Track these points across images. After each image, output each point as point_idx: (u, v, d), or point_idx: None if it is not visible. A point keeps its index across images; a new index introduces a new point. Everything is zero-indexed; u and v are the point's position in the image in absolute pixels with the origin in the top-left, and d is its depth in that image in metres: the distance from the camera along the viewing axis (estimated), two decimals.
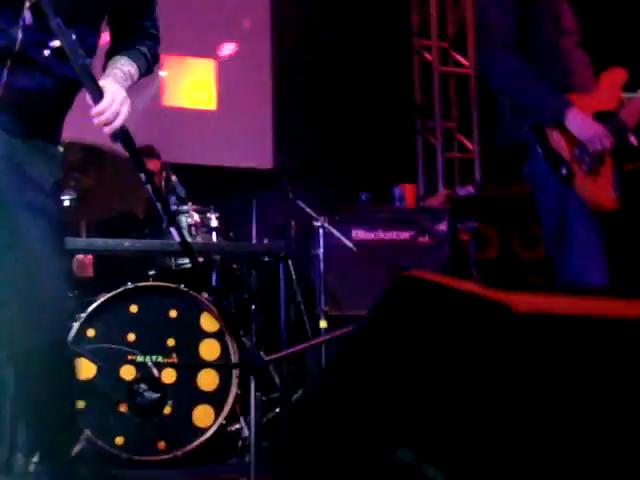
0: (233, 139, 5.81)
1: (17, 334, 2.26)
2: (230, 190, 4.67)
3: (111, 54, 2.47)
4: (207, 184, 4.87)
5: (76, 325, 3.32)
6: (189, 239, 3.74)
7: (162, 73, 5.95)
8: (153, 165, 4.55)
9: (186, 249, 2.41)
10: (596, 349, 1.18)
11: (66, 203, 3.56)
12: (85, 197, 3.65)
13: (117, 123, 2.21)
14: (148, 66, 2.54)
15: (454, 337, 1.20)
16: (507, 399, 1.11)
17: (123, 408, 3.33)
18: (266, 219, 4.50)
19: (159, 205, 2.33)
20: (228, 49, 6.19)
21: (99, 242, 3.61)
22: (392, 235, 4.68)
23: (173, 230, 2.32)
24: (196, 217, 3.81)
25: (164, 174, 4.23)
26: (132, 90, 2.37)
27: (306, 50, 5.98)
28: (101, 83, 2.25)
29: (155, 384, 3.35)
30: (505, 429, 1.12)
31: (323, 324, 4.11)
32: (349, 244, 4.14)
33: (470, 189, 5.43)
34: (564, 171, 2.85)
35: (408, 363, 1.21)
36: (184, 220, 3.82)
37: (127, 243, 3.49)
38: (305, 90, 5.96)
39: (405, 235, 4.66)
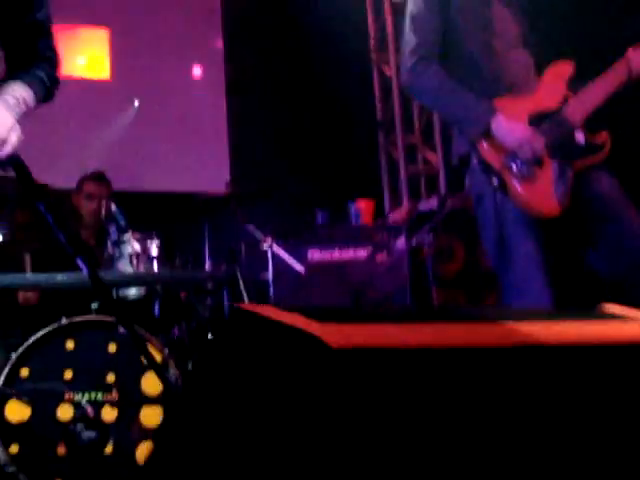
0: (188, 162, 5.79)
1: None
2: (180, 216, 4.60)
3: (5, 79, 2.40)
4: (155, 211, 4.81)
5: (7, 366, 3.22)
6: (130, 269, 3.69)
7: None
8: (103, 191, 4.47)
9: (95, 283, 2.34)
10: (411, 380, 1.15)
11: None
12: (23, 230, 3.62)
13: (3, 152, 2.19)
14: (46, 90, 2.48)
15: (275, 370, 1.19)
16: (323, 431, 1.08)
17: (61, 450, 3.22)
18: (220, 244, 4.40)
19: (62, 236, 2.29)
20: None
21: (26, 277, 3.57)
22: (349, 254, 4.61)
23: (80, 262, 2.25)
24: (137, 246, 3.71)
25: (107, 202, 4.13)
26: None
27: (263, 67, 5.98)
28: None
29: (95, 423, 3.26)
30: (318, 461, 1.07)
31: None
32: (297, 267, 4.05)
33: (433, 203, 5.34)
34: (495, 181, 2.75)
35: (235, 393, 1.23)
36: (125, 251, 3.73)
37: (59, 277, 3.43)
38: (263, 108, 5.93)
39: (362, 253, 4.59)
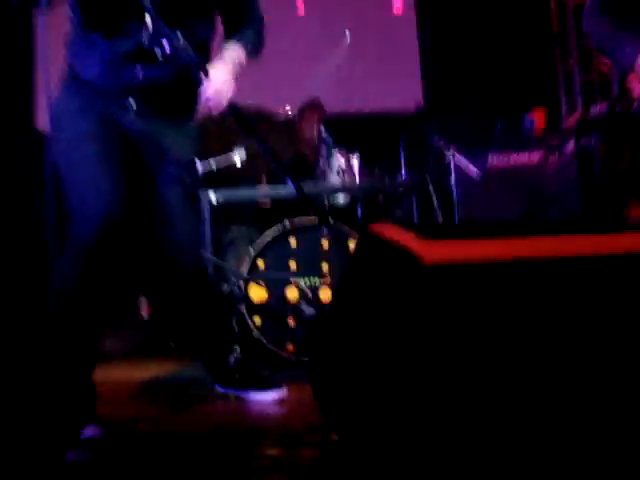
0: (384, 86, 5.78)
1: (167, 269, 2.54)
2: (380, 132, 4.69)
3: (226, 38, 2.58)
4: (358, 130, 4.89)
5: (249, 259, 3.47)
6: (338, 181, 3.87)
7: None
8: (318, 114, 4.65)
9: (300, 195, 2.55)
10: (505, 293, 1.14)
11: (238, 161, 3.80)
12: (255, 153, 3.83)
13: (220, 102, 2.35)
14: (254, 48, 2.59)
15: (380, 285, 1.21)
16: (416, 346, 1.07)
17: (290, 322, 3.46)
18: (413, 155, 4.48)
19: (270, 158, 2.49)
20: None
21: (256, 191, 3.84)
22: (524, 158, 4.54)
23: (284, 182, 2.45)
24: (342, 161, 3.84)
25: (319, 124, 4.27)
26: None
27: None
28: (211, 66, 2.36)
29: (315, 302, 3.45)
30: (411, 380, 1.08)
31: None
32: (473, 172, 4.08)
33: (603, 107, 5.09)
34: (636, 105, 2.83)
35: (356, 305, 1.27)
36: (334, 165, 3.86)
37: (283, 190, 3.66)
38: (447, 28, 5.82)
39: (535, 157, 4.51)
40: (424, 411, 1.11)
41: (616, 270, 1.27)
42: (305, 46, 5.94)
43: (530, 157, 4.54)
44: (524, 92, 5.47)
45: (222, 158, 3.75)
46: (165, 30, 2.20)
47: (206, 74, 2.30)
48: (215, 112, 2.36)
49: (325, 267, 3.52)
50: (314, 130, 4.22)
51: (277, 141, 4.03)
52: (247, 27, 2.58)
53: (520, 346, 1.10)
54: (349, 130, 4.41)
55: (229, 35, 2.59)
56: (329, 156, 3.88)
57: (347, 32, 5.96)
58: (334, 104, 4.86)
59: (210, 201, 3.61)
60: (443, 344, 1.08)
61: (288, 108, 4.54)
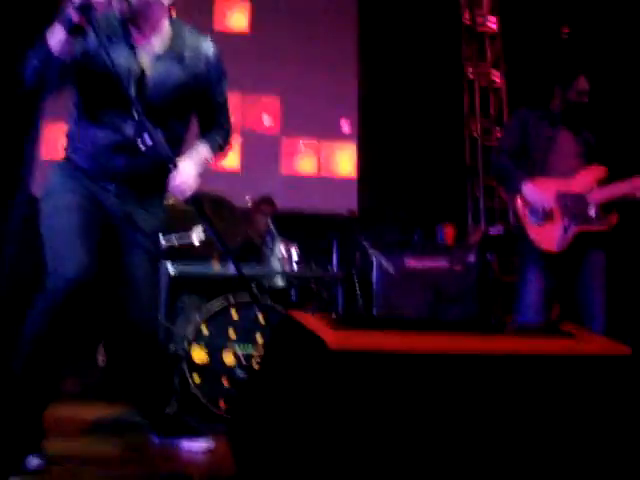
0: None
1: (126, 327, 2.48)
2: (316, 230, 4.71)
3: (199, 135, 2.60)
4: (298, 226, 4.91)
5: (195, 325, 3.37)
6: (278, 267, 3.85)
7: None
8: (269, 209, 4.66)
9: (240, 276, 2.54)
10: (397, 381, 1.11)
11: (196, 242, 3.75)
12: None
13: (186, 191, 2.34)
14: (219, 147, 2.61)
15: (293, 362, 1.19)
16: (314, 416, 1.04)
17: (225, 383, 3.36)
18: (342, 252, 4.48)
19: (219, 243, 2.50)
20: None
21: (208, 268, 3.77)
22: (434, 263, 4.61)
23: (230, 262, 2.44)
24: (283, 251, 3.83)
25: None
26: None
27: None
28: (181, 160, 2.37)
29: (247, 368, 3.36)
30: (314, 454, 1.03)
31: None
32: (390, 269, 4.13)
33: (500, 229, 5.25)
34: (515, 224, 3.10)
35: (272, 377, 1.24)
36: (276, 253, 3.84)
37: (231, 269, 3.61)
38: (382, 153, 5.96)
39: (444, 263, 4.59)
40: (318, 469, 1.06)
41: (496, 368, 1.27)
42: (267, 152, 6.03)
43: (439, 262, 4.58)
44: (439, 209, 5.62)
45: (182, 235, 3.71)
46: (148, 126, 2.19)
47: (176, 166, 2.31)
48: (180, 198, 2.36)
49: (259, 338, 3.44)
50: (264, 222, 4.22)
51: (232, 226, 4.01)
52: (217, 130, 2.60)
53: (399, 428, 1.06)
54: (293, 225, 4.42)
55: (202, 133, 2.61)
56: (273, 245, 3.88)
57: (301, 143, 6.10)
58: (283, 202, 4.89)
59: (168, 272, 3.54)
60: (336, 416, 1.04)
61: (247, 198, 4.58)
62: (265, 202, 4.69)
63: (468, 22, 6.79)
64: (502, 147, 3.32)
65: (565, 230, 2.95)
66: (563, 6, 6.06)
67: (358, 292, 4.08)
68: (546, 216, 2.99)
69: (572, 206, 3.01)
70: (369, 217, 4.74)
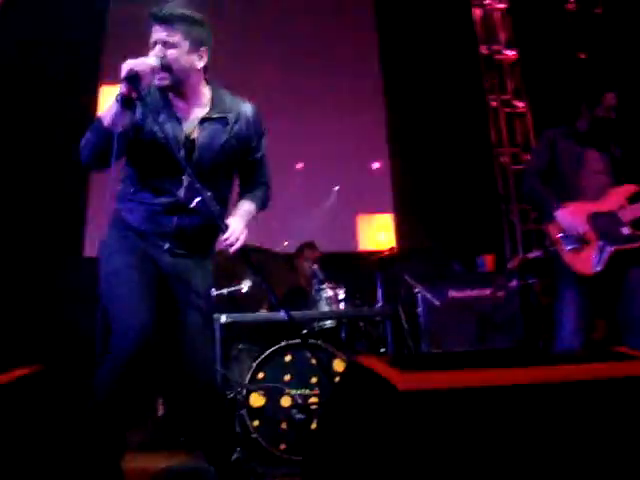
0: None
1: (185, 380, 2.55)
2: (360, 269, 4.79)
3: (240, 197, 2.69)
4: (344, 266, 5.01)
5: (250, 371, 3.48)
6: (327, 309, 3.93)
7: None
8: (313, 254, 4.76)
9: (291, 321, 2.66)
10: (474, 417, 1.14)
11: (244, 290, 3.87)
12: (260, 284, 3.89)
13: (237, 246, 2.41)
14: (262, 204, 2.71)
15: (362, 405, 1.23)
16: (389, 456, 1.07)
17: (284, 426, 3.43)
18: (387, 288, 4.54)
19: (268, 290, 2.60)
20: None
21: (259, 315, 3.88)
22: (476, 292, 4.64)
23: (282, 310, 2.54)
24: (330, 292, 3.94)
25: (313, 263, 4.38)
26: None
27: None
28: (228, 220, 2.47)
29: (304, 409, 3.43)
30: None
31: None
32: (435, 302, 4.17)
33: (539, 252, 5.25)
34: (550, 249, 3.01)
35: (342, 420, 1.29)
36: (323, 295, 3.96)
37: (280, 315, 3.68)
38: (416, 188, 6.04)
39: (486, 292, 4.62)
40: None
41: (555, 396, 1.28)
42: (303, 199, 6.14)
43: (481, 292, 4.61)
44: (477, 239, 5.64)
45: (233, 288, 3.83)
46: (198, 189, 2.30)
47: (225, 224, 2.40)
48: (232, 253, 2.42)
49: (314, 380, 3.52)
50: (309, 267, 4.32)
51: (279, 275, 4.12)
52: (257, 188, 2.70)
53: (471, 462, 1.11)
54: (337, 267, 4.50)
55: (243, 193, 2.70)
56: (320, 288, 3.97)
57: (336, 188, 6.20)
58: (326, 245, 4.99)
59: (220, 321, 3.64)
60: (413, 455, 1.09)
61: (286, 244, 4.66)
62: (308, 247, 4.79)
63: (486, 52, 6.91)
64: (531, 170, 3.33)
65: (600, 252, 2.95)
66: (577, 30, 6.16)
67: (405, 327, 4.12)
68: (580, 241, 2.99)
69: (605, 226, 3.01)
70: (409, 252, 4.80)
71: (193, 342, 2.50)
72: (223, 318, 3.66)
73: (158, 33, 2.33)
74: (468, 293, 4.62)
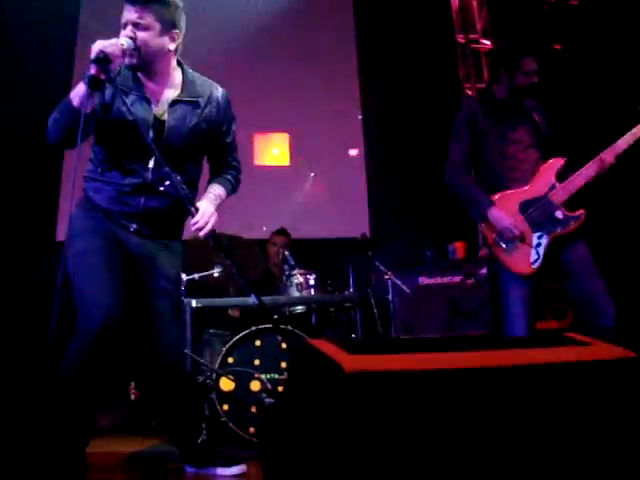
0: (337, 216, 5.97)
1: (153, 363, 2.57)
2: (332, 255, 4.81)
3: (210, 181, 2.68)
4: (315, 252, 5.02)
5: (220, 356, 3.49)
6: (297, 294, 3.95)
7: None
8: (283, 240, 4.78)
9: (261, 306, 2.64)
10: (421, 400, 1.14)
11: (216, 274, 3.87)
12: (230, 270, 3.91)
13: (206, 230, 2.40)
14: (233, 188, 2.71)
15: (313, 387, 1.24)
16: (336, 437, 1.07)
17: (253, 409, 3.44)
18: (358, 275, 4.57)
19: (240, 276, 2.56)
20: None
21: (228, 300, 3.88)
22: (447, 279, 4.69)
23: (252, 295, 2.53)
24: (301, 278, 3.95)
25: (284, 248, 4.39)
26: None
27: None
28: (198, 203, 2.46)
29: (273, 393, 3.44)
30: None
31: None
32: (406, 289, 4.20)
33: None
34: (486, 250, 2.92)
35: (295, 402, 1.31)
36: (294, 281, 3.97)
37: (250, 300, 3.69)
38: (391, 175, 6.06)
39: (456, 279, 4.67)
40: None
41: (506, 380, 1.31)
42: (276, 183, 6.15)
43: (452, 278, 4.64)
44: (449, 227, 5.66)
45: (204, 273, 3.83)
46: (166, 172, 2.29)
47: (195, 207, 2.40)
48: (202, 236, 2.42)
49: (283, 364, 3.53)
50: (280, 253, 4.33)
51: (249, 260, 4.12)
52: (227, 172, 2.70)
53: (417, 446, 1.13)
54: (308, 253, 4.52)
55: (213, 177, 2.70)
56: (291, 274, 3.98)
57: (311, 175, 6.21)
58: (297, 231, 5.00)
59: (191, 306, 3.64)
60: (361, 438, 1.11)
61: (265, 229, 4.67)
62: (279, 234, 4.81)
63: (462, 41, 6.93)
64: (454, 159, 3.06)
65: (537, 247, 2.85)
66: (553, 21, 6.19)
67: (376, 313, 4.16)
68: (516, 239, 2.87)
69: (538, 215, 2.89)
70: (381, 239, 4.83)
71: (162, 325, 2.51)
72: (194, 303, 3.65)
73: (130, 14, 2.30)
74: (439, 280, 4.68)
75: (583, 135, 3.65)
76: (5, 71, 5.46)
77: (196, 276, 3.81)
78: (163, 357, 2.55)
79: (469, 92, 6.68)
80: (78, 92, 2.23)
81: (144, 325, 2.53)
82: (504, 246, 2.91)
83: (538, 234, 2.88)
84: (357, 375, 1.14)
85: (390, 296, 4.34)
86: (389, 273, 4.30)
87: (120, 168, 2.42)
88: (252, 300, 3.66)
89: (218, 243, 2.47)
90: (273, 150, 6.31)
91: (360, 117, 6.43)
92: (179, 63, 2.52)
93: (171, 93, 2.46)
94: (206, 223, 2.39)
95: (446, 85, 6.51)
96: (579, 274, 2.84)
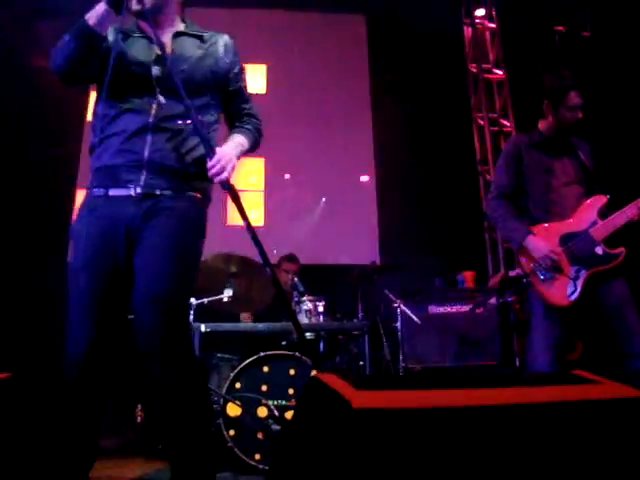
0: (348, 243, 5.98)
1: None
2: (341, 282, 4.83)
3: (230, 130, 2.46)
4: (323, 278, 5.04)
5: (228, 381, 3.50)
6: (306, 321, 3.96)
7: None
8: (293, 267, 4.80)
9: (297, 328, 2.42)
10: (428, 438, 1.13)
11: (225, 299, 3.88)
12: (242, 294, 3.94)
13: (223, 175, 2.13)
14: (255, 139, 2.45)
15: (321, 421, 1.23)
16: (342, 472, 1.07)
17: (259, 435, 3.43)
18: (367, 302, 4.58)
19: (259, 252, 2.19)
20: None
21: (237, 325, 3.89)
22: (457, 308, 4.68)
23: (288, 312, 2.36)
24: (310, 305, 3.98)
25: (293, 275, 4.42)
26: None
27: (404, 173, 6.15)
28: (216, 149, 2.18)
29: (280, 420, 3.42)
30: None
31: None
32: (415, 318, 4.21)
33: (519, 271, 5.30)
34: (524, 280, 2.91)
35: (303, 434, 1.31)
36: (303, 307, 3.99)
37: (260, 326, 3.75)
38: (401, 204, 6.10)
39: (465, 308, 4.66)
40: None
41: (510, 418, 1.30)
42: (289, 208, 6.18)
43: (461, 307, 4.65)
44: (459, 256, 5.69)
45: (213, 297, 3.85)
46: (187, 103, 2.10)
47: (213, 151, 2.15)
48: (216, 180, 2.14)
49: (291, 391, 3.53)
50: (289, 279, 4.36)
51: (262, 284, 4.13)
52: (246, 121, 2.47)
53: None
54: (318, 278, 4.53)
55: (232, 128, 2.46)
56: (300, 301, 4.00)
57: (323, 199, 6.25)
58: (307, 257, 5.03)
59: (200, 331, 3.67)
60: (364, 472, 1.13)
61: (275, 252, 4.69)
62: (288, 260, 4.83)
63: (475, 71, 7.01)
64: (497, 190, 3.09)
65: (575, 278, 2.84)
66: (565, 52, 6.25)
67: (384, 341, 4.16)
68: (554, 269, 2.86)
69: (578, 249, 2.89)
70: (390, 267, 4.85)
71: (145, 272, 2.09)
72: (202, 327, 3.69)
73: None
74: (448, 309, 4.66)
75: (628, 174, 3.66)
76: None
77: (205, 300, 3.83)
78: (138, 320, 2.05)
79: (480, 122, 6.75)
80: (95, 12, 2.12)
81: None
82: (542, 276, 2.89)
83: (576, 268, 2.88)
84: (364, 411, 1.14)
85: (399, 324, 4.35)
86: (398, 301, 4.32)
87: (125, 112, 2.20)
88: (262, 326, 3.79)
89: (233, 194, 2.14)
90: (285, 175, 6.36)
91: (372, 144, 6.48)
92: (183, 19, 2.41)
93: (175, 29, 2.36)
94: (222, 168, 2.13)
95: (458, 114, 6.58)
96: (616, 312, 2.81)
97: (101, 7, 2.14)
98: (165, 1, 2.31)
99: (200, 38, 2.37)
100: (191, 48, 2.33)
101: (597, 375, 1.72)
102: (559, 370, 2.76)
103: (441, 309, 4.66)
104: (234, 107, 2.45)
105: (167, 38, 2.32)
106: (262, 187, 6.28)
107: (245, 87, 2.47)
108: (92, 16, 2.14)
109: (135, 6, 2.17)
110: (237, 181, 2.26)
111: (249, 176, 6.18)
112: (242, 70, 2.46)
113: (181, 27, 2.38)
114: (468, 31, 7.21)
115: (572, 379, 1.67)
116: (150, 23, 2.21)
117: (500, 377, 1.89)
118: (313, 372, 3.58)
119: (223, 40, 2.42)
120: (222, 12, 6.40)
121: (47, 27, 5.44)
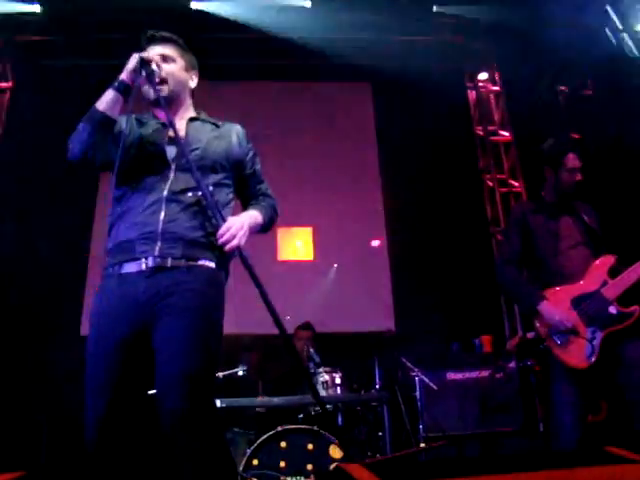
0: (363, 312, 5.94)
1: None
2: (357, 351, 4.75)
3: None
4: (339, 348, 4.98)
5: (245, 457, 3.44)
6: (323, 393, 3.90)
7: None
8: (307, 335, 4.74)
9: (317, 400, 2.41)
10: None
11: (240, 373, 3.85)
12: (256, 367, 3.91)
13: (234, 243, 2.12)
14: (269, 216, 2.44)
15: None
16: None
17: None
18: (384, 371, 4.51)
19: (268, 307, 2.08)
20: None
21: (253, 400, 3.83)
22: (476, 374, 4.60)
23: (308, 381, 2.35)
24: (327, 377, 3.92)
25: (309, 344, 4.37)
26: None
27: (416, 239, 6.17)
28: (228, 217, 2.21)
29: None
30: None
31: (422, 445, 4.08)
32: (433, 386, 4.14)
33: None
34: (541, 345, 2.89)
35: None
36: (320, 379, 3.94)
37: (276, 400, 3.69)
38: (414, 271, 6.09)
39: (484, 373, 4.58)
40: None
41: None
42: (301, 277, 6.18)
43: (480, 372, 4.57)
44: (476, 321, 5.63)
45: (228, 372, 3.82)
46: (196, 177, 2.15)
47: (222, 215, 2.19)
48: (226, 249, 2.13)
49: (310, 467, 3.47)
50: (305, 348, 4.31)
51: (277, 357, 4.10)
52: (262, 199, 2.49)
53: None
54: (333, 347, 4.48)
55: (247, 206, 2.48)
56: (316, 372, 3.95)
57: (334, 267, 6.24)
58: (322, 325, 4.98)
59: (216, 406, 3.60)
60: None
61: (288, 318, 4.66)
62: (304, 329, 4.77)
63: (482, 133, 7.11)
64: (504, 257, 3.10)
65: (591, 340, 2.84)
66: (569, 111, 6.34)
67: (403, 411, 4.08)
68: (569, 332, 2.85)
69: (592, 311, 2.89)
70: (406, 334, 4.79)
71: (167, 350, 2.05)
72: (218, 403, 3.64)
73: (155, 50, 2.35)
74: (467, 375, 4.58)
75: (634, 233, 3.65)
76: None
77: (220, 375, 3.79)
78: (162, 400, 1.99)
79: (489, 183, 6.80)
80: (104, 98, 2.22)
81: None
82: (558, 340, 2.89)
83: (592, 329, 2.87)
84: None
85: (417, 393, 4.27)
86: (415, 370, 4.25)
87: (138, 190, 2.26)
88: (276, 401, 3.72)
89: (245, 262, 2.11)
90: (297, 242, 6.39)
91: (382, 209, 6.52)
92: (194, 107, 2.50)
93: (189, 115, 2.45)
94: (232, 237, 2.13)
95: (466, 176, 6.64)
96: (630, 376, 2.78)
97: (110, 93, 2.24)
98: (180, 89, 2.41)
99: (214, 124, 2.47)
100: (205, 131, 2.41)
101: (630, 452, 1.68)
102: (591, 446, 2.68)
103: (460, 375, 4.58)
104: (250, 189, 2.49)
105: (181, 124, 2.41)
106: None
107: (260, 172, 2.52)
108: (102, 102, 2.24)
109: (152, 95, 2.28)
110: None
111: None
112: (255, 154, 2.53)
113: (194, 114, 2.49)
114: (472, 94, 7.35)
115: (606, 458, 1.63)
116: (165, 110, 2.30)
117: (528, 458, 1.84)
118: (332, 447, 3.52)
119: (236, 129, 2.50)
120: (230, 85, 6.58)
121: None
